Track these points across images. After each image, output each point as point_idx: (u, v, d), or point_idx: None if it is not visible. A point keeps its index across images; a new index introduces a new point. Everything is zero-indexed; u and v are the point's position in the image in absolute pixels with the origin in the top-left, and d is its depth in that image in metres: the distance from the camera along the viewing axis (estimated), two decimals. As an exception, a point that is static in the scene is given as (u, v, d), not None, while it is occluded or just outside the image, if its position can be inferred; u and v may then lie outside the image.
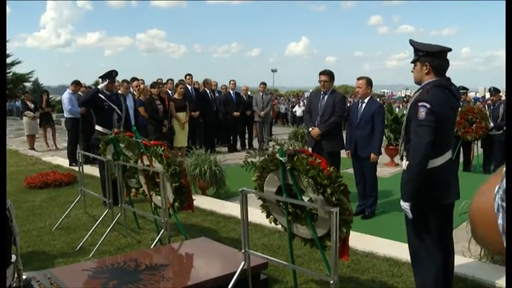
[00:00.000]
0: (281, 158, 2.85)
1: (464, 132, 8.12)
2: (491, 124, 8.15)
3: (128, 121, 6.12)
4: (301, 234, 3.12)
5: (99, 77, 6.09)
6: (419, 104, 2.75)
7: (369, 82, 5.41)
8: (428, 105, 2.72)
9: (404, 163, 2.93)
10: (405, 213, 2.91)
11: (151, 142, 4.29)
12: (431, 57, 2.86)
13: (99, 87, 5.91)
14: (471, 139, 8.26)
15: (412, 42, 2.98)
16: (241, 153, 10.42)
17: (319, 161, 2.77)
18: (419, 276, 2.99)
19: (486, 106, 9.09)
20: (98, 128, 5.86)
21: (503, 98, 9.30)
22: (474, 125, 8.16)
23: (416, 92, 2.95)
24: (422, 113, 2.72)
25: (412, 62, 2.99)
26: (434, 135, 2.73)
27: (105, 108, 5.80)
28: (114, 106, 5.86)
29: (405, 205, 2.83)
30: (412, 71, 2.99)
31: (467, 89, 9.16)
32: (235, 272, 3.13)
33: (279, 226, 3.39)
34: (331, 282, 2.70)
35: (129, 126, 5.79)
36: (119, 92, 7.27)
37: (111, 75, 5.90)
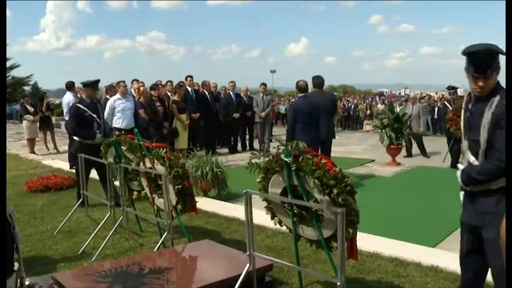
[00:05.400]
0: (286, 159, 2.82)
1: (457, 129, 8.05)
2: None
3: (104, 128, 6.13)
4: (307, 235, 3.08)
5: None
6: None
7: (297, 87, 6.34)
8: None
9: (472, 159, 2.59)
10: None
11: (154, 144, 4.26)
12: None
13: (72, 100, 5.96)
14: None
15: (495, 48, 2.43)
16: (242, 155, 10.38)
17: (325, 161, 2.73)
18: None
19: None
20: (77, 138, 5.93)
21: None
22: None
23: (491, 98, 2.46)
24: None
25: (492, 71, 2.43)
26: None
27: (87, 118, 5.82)
28: (93, 115, 5.86)
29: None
30: (484, 83, 2.44)
31: (456, 88, 9.87)
32: (240, 275, 3.10)
33: (283, 227, 3.35)
34: (338, 283, 2.67)
35: (106, 133, 5.96)
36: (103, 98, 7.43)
37: (94, 84, 5.99)
